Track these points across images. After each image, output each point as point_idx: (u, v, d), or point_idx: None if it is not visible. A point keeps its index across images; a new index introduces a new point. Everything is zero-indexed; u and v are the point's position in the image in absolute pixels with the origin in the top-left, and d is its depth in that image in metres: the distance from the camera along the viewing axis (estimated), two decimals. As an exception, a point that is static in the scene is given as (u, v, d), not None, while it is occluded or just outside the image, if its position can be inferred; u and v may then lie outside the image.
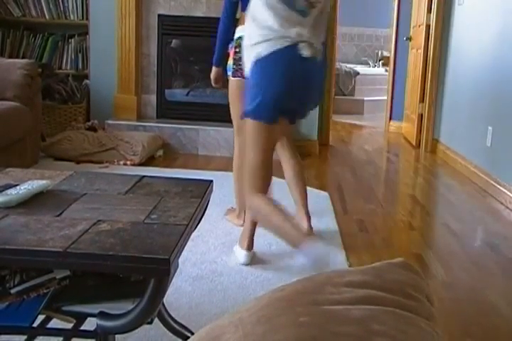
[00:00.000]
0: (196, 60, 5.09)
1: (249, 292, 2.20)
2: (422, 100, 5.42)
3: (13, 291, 1.26)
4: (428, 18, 5.27)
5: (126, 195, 1.53)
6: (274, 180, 2.44)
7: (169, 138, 4.63)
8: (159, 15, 4.72)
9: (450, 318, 2.10)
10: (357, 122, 7.31)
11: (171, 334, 1.70)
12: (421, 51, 5.38)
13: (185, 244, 1.32)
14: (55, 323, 1.37)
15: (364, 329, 0.60)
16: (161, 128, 4.62)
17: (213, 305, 2.08)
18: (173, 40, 4.89)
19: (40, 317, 1.35)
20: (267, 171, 2.25)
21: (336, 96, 7.12)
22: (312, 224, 2.81)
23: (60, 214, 1.35)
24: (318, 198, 3.53)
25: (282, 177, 2.91)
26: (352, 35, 9.09)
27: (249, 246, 2.53)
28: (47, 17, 4.92)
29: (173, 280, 1.40)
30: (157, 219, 1.34)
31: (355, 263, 2.54)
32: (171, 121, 4.76)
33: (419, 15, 5.55)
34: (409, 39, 5.95)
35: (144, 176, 1.75)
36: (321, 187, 3.80)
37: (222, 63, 2.95)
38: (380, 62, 8.76)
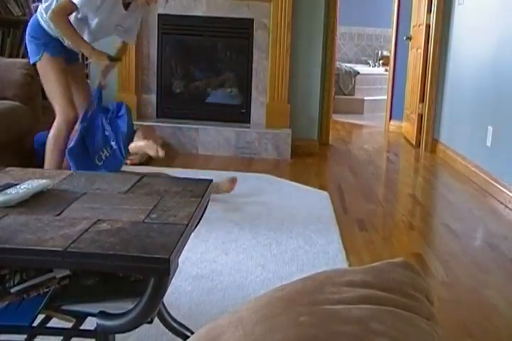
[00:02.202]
0: (196, 59, 5.10)
1: (249, 291, 2.20)
2: (422, 100, 5.42)
3: (13, 290, 1.26)
4: (428, 18, 5.27)
5: (126, 195, 1.53)
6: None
7: (169, 138, 4.63)
8: (159, 15, 4.72)
9: (450, 318, 2.10)
10: (357, 122, 7.31)
11: (170, 333, 1.70)
12: (421, 51, 5.38)
13: (185, 243, 1.32)
14: (55, 323, 1.37)
15: (364, 328, 0.60)
16: (160, 127, 4.61)
17: (213, 305, 2.07)
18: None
19: (40, 317, 1.35)
20: (67, 93, 3.02)
21: (336, 96, 7.13)
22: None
23: (60, 213, 1.35)
24: (318, 198, 3.53)
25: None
26: (352, 35, 9.08)
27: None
28: (47, 16, 4.92)
29: (173, 279, 1.40)
30: (157, 219, 1.34)
31: (355, 262, 2.54)
32: (171, 120, 4.76)
33: (419, 15, 5.55)
34: (409, 39, 5.94)
35: (143, 175, 1.75)
36: (321, 187, 3.80)
37: None
38: (380, 62, 8.76)
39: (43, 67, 3.06)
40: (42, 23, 3.00)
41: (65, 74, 3.06)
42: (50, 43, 3.01)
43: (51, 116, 3.12)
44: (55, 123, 3.08)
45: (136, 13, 3.13)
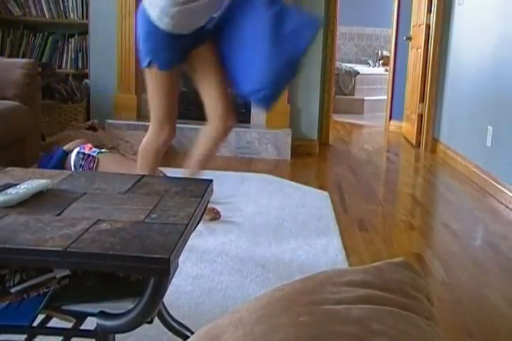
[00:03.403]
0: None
1: (249, 291, 2.20)
2: (422, 100, 5.42)
3: (13, 290, 1.26)
4: (428, 18, 5.27)
5: (126, 195, 1.53)
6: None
7: (169, 138, 4.62)
8: (159, 15, 4.71)
9: (450, 318, 2.10)
10: (357, 122, 7.31)
11: (171, 333, 1.70)
12: (421, 51, 5.38)
13: (185, 243, 1.32)
14: (55, 322, 1.37)
15: (364, 328, 0.60)
16: (161, 127, 4.61)
17: (213, 305, 2.08)
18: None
19: (40, 317, 1.35)
20: (169, 114, 2.57)
21: (336, 96, 7.13)
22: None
23: (60, 213, 1.35)
24: (318, 198, 3.53)
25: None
26: (352, 35, 9.09)
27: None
28: (47, 16, 4.92)
29: (173, 279, 1.40)
30: (157, 219, 1.34)
31: (355, 262, 2.54)
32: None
33: (419, 15, 5.55)
34: (409, 39, 5.95)
35: (143, 175, 1.75)
36: (321, 187, 3.80)
37: None
38: (380, 62, 8.77)
39: (148, 78, 2.54)
40: (152, 16, 2.34)
41: (173, 89, 2.58)
42: (160, 50, 2.44)
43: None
44: (146, 135, 2.67)
45: None
